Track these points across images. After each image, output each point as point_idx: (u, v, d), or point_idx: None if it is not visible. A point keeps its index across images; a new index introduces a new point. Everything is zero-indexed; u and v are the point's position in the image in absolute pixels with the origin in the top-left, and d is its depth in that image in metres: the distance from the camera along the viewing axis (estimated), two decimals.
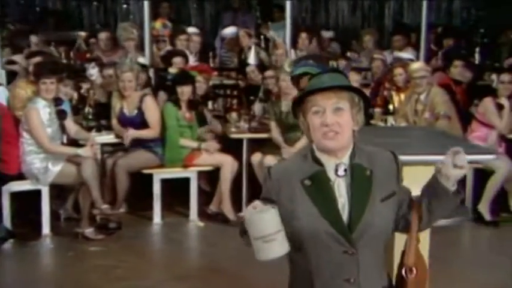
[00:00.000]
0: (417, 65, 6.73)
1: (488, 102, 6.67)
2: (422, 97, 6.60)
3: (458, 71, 7.17)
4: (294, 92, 6.49)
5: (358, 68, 8.22)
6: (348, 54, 9.25)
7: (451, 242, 5.93)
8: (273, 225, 2.10)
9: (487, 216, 6.48)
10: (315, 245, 2.18)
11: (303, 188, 2.20)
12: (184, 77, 6.54)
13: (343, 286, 2.20)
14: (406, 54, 7.92)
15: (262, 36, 9.29)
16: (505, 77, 6.72)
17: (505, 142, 6.81)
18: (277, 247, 2.11)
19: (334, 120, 2.18)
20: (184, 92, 6.42)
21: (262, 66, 7.70)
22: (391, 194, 2.26)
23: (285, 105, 6.54)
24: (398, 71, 7.12)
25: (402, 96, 6.98)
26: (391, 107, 7.09)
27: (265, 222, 2.08)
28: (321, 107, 2.19)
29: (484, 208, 6.51)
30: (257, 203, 2.18)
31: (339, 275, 2.20)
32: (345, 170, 2.22)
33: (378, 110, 7.14)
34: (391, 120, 6.83)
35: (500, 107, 6.64)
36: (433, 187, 2.26)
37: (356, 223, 2.17)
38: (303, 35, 8.46)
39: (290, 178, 2.23)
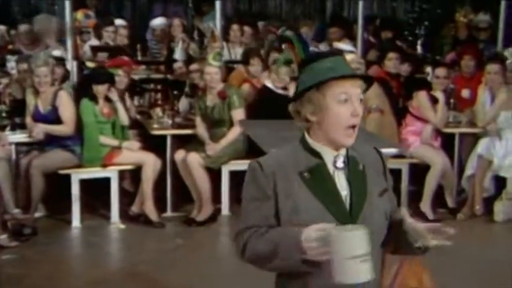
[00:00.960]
0: (349, 58, 6.61)
1: (422, 96, 6.66)
2: None
3: (392, 63, 7.13)
4: (219, 86, 6.39)
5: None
6: (283, 46, 9.16)
7: None
8: (367, 244, 1.95)
9: (430, 215, 6.45)
10: None
11: (303, 181, 2.14)
12: (100, 75, 6.35)
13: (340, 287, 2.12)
14: (346, 46, 7.85)
15: (195, 28, 9.13)
16: (440, 71, 6.72)
17: (440, 136, 6.82)
18: (370, 268, 1.95)
19: (361, 111, 2.13)
20: (99, 90, 6.25)
21: (189, 61, 7.53)
22: (385, 189, 2.24)
23: (211, 99, 6.42)
24: None
25: None
26: None
27: (363, 239, 1.94)
28: (349, 95, 2.11)
29: (426, 207, 6.49)
30: (323, 225, 2.00)
31: None
32: (344, 162, 2.18)
33: None
34: None
35: (434, 101, 6.64)
36: (398, 231, 2.20)
37: (356, 217, 2.13)
38: (235, 27, 8.34)
39: (286, 171, 2.15)
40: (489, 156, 6.59)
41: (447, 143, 6.92)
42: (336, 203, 2.13)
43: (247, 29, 8.68)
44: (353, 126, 2.12)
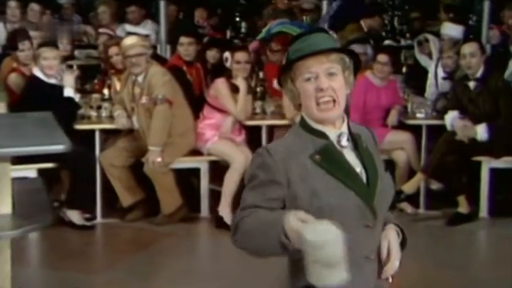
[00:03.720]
0: (131, 41, 6.23)
1: (220, 84, 6.36)
2: (140, 79, 6.17)
3: (184, 48, 6.82)
4: None
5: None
6: (87, 28, 8.71)
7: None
8: (341, 248, 2.04)
9: (229, 220, 6.15)
10: (337, 221, 2.13)
11: (315, 163, 2.26)
12: None
13: (363, 264, 2.28)
14: (142, 29, 7.44)
15: None
16: (239, 55, 6.42)
17: (245, 130, 6.58)
18: (343, 273, 2.04)
19: (329, 85, 2.25)
20: None
21: None
22: (386, 166, 2.42)
23: None
24: (114, 50, 6.65)
25: None
26: (106, 92, 6.62)
27: (336, 245, 2.02)
28: (313, 73, 2.27)
29: (224, 211, 6.19)
30: (305, 215, 2.10)
31: (359, 253, 2.26)
32: (348, 140, 2.32)
33: (95, 96, 6.64)
34: (105, 107, 6.36)
35: (235, 89, 6.34)
36: None
37: (374, 192, 2.29)
38: (12, 4, 7.74)
39: (296, 156, 2.27)
40: None
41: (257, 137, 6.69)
42: (354, 179, 2.27)
43: (35, 6, 8.07)
44: (325, 102, 2.26)
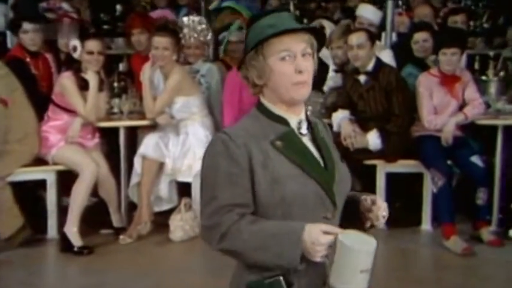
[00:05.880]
0: None
1: (66, 79, 5.74)
2: None
3: (29, 37, 6.09)
4: None
5: None
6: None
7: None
8: (372, 259, 2.19)
9: (77, 241, 5.54)
10: (297, 211, 2.27)
11: (276, 150, 2.29)
12: None
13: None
14: None
15: None
16: (91, 44, 5.77)
17: (99, 132, 6.00)
18: (367, 281, 2.20)
19: (306, 67, 2.29)
20: None
21: None
22: (340, 156, 2.48)
23: None
24: None
25: None
26: None
27: (370, 255, 2.16)
28: (291, 52, 2.29)
29: (71, 231, 5.56)
30: (328, 227, 2.20)
31: None
32: (307, 128, 2.38)
33: None
34: None
35: (85, 85, 5.69)
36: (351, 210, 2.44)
37: (333, 181, 2.35)
38: None
39: (257, 140, 2.29)
40: (159, 157, 5.79)
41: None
42: (314, 168, 2.32)
43: None
44: (301, 83, 2.29)
